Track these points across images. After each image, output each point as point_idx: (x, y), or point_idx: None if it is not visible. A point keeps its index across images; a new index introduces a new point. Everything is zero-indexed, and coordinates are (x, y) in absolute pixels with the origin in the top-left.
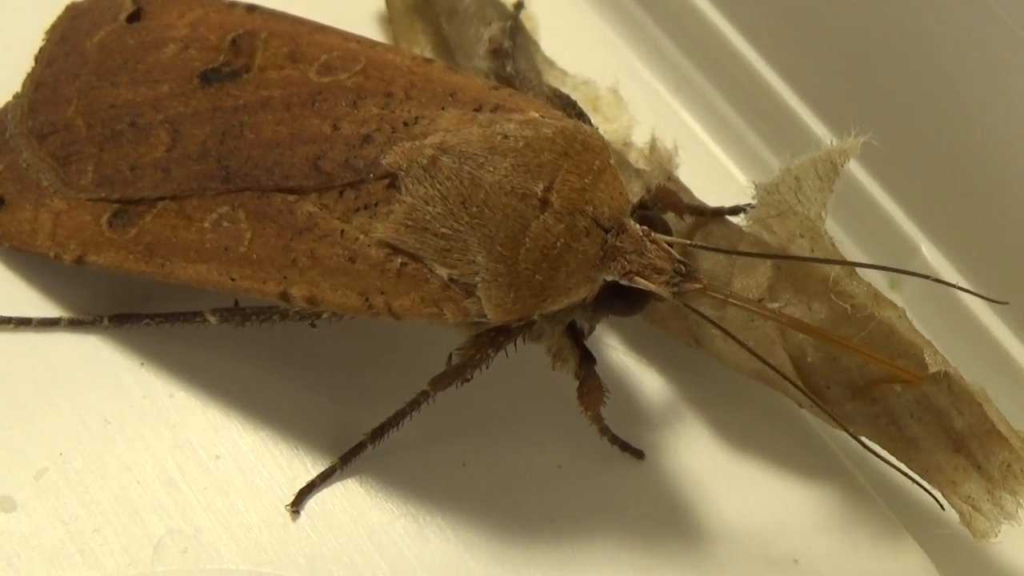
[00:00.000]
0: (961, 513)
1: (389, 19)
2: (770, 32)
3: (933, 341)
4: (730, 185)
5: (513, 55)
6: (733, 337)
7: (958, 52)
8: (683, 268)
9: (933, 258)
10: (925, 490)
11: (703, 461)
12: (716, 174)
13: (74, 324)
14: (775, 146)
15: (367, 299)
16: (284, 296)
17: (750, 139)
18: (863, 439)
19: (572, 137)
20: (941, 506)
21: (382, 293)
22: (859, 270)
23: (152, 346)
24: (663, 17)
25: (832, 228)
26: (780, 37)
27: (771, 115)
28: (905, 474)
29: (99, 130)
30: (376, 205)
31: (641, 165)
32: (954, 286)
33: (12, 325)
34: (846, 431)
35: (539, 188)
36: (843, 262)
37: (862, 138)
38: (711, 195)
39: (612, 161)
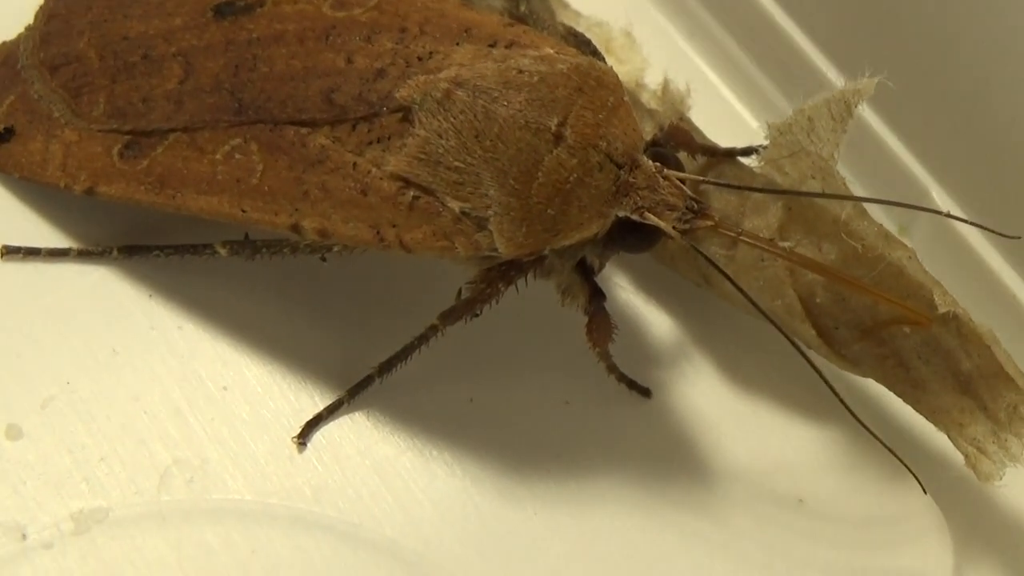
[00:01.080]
0: (966, 455)
1: None
2: None
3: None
4: (741, 129)
5: None
6: (732, 282)
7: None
8: (695, 205)
9: (943, 202)
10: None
11: (710, 400)
12: (727, 118)
13: (83, 255)
14: (786, 89)
15: (378, 232)
16: (295, 228)
17: (761, 83)
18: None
19: (587, 73)
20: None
21: (394, 226)
22: (870, 211)
23: (161, 278)
24: None
25: (842, 171)
26: None
27: (782, 58)
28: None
29: (111, 62)
30: (389, 139)
31: (653, 106)
32: (965, 220)
33: (21, 255)
34: (824, 381)
35: (553, 123)
36: (856, 198)
37: (876, 78)
38: (722, 139)
39: (626, 98)
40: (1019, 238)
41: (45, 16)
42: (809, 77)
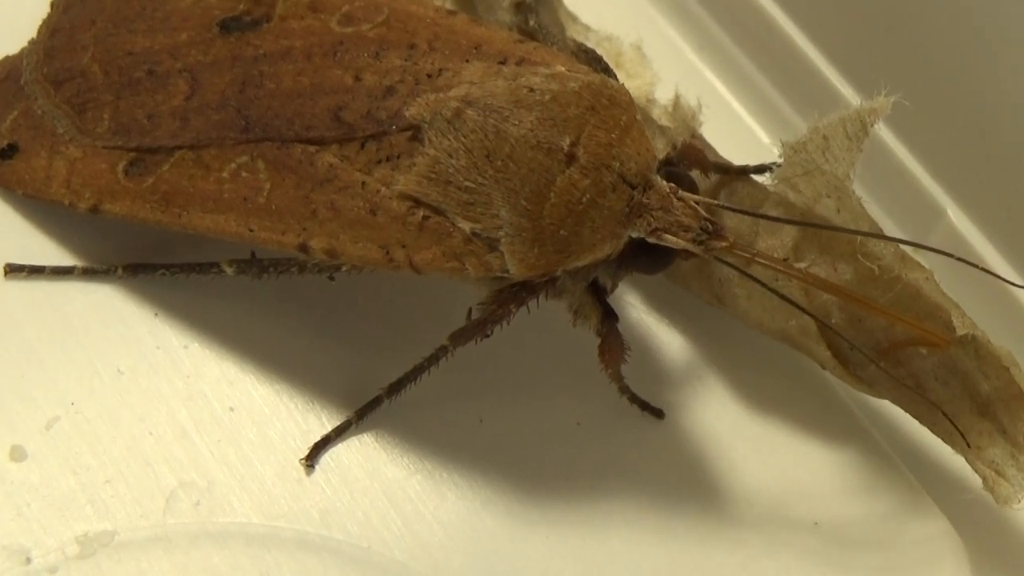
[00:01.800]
0: (984, 478)
1: None
2: None
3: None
4: (752, 144)
5: (536, 9)
6: (766, 286)
7: (988, 10)
8: (710, 226)
9: (959, 221)
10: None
11: (723, 422)
12: (739, 133)
13: (88, 273)
14: (799, 105)
15: (388, 252)
16: (303, 248)
17: (773, 98)
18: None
19: (599, 92)
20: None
21: (403, 246)
22: (886, 230)
23: (166, 296)
24: None
25: (856, 190)
26: None
27: (795, 73)
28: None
29: (116, 77)
30: (398, 157)
31: (664, 122)
32: (982, 269)
33: (25, 273)
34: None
35: (565, 143)
36: (864, 233)
37: (892, 97)
38: (733, 154)
39: (639, 117)
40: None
41: (49, 30)
42: (821, 92)
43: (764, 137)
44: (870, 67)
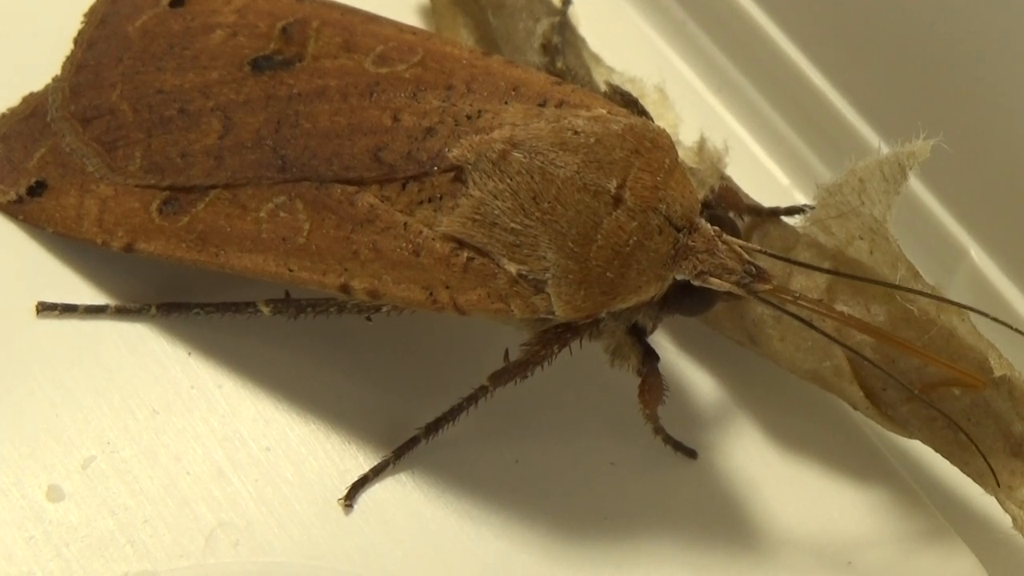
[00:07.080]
0: (1014, 518)
1: (432, 11)
2: (812, 31)
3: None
4: (772, 185)
5: (563, 51)
6: (805, 322)
7: (1009, 52)
8: (753, 269)
9: (981, 261)
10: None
11: (756, 462)
12: (758, 174)
13: (121, 312)
14: (818, 146)
15: (431, 293)
16: (345, 289)
17: (792, 139)
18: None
19: (641, 135)
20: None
21: (447, 288)
22: (921, 271)
23: (199, 335)
24: (703, 15)
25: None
26: (822, 36)
27: (814, 115)
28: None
29: (146, 115)
30: (441, 199)
31: (691, 164)
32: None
33: (58, 312)
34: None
35: (612, 185)
36: (885, 284)
37: (931, 141)
38: (753, 195)
39: (681, 160)
40: None
41: (74, 67)
42: (840, 133)
43: (783, 179)
44: (888, 107)
